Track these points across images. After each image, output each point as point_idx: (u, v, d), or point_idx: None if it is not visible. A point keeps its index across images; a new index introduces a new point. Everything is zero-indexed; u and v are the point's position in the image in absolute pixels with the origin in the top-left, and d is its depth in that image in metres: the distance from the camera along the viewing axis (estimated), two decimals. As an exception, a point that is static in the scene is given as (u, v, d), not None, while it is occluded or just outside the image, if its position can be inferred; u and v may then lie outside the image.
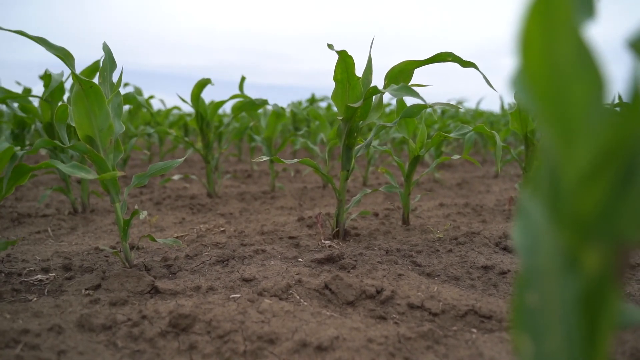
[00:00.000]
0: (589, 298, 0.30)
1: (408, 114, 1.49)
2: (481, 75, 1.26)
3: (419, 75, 1.36)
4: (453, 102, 5.67)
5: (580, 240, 0.30)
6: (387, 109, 5.18)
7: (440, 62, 1.27)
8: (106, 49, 1.21)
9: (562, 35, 0.29)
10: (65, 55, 1.15)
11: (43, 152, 3.47)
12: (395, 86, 1.21)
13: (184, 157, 1.27)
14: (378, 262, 1.27)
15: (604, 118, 0.29)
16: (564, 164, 0.30)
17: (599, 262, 0.30)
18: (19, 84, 2.89)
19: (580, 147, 0.30)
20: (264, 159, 1.36)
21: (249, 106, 2.25)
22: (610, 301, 0.30)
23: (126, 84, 3.78)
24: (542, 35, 0.30)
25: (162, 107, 4.92)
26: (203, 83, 2.14)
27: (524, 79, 0.31)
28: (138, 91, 3.79)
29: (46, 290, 1.10)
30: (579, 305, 0.31)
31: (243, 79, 2.54)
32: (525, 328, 0.34)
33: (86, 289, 1.08)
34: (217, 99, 2.35)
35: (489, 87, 1.29)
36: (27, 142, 2.27)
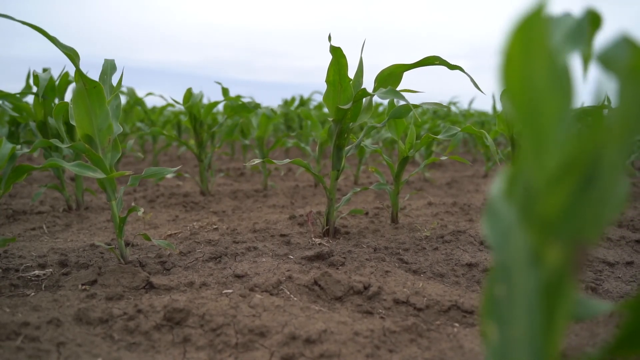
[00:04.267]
0: (549, 290, 0.34)
1: (397, 115, 1.53)
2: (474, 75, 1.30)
3: (412, 76, 1.40)
4: (445, 103, 5.72)
5: (544, 238, 0.34)
6: (380, 108, 5.22)
7: (428, 65, 1.31)
8: (111, 62, 1.27)
9: (539, 58, 0.33)
10: (73, 54, 1.18)
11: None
12: (383, 89, 1.25)
13: (177, 168, 1.30)
14: (366, 259, 1.31)
15: (570, 131, 0.33)
16: (535, 169, 0.34)
17: (560, 258, 0.34)
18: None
19: (549, 155, 0.34)
20: (256, 162, 1.39)
21: (240, 109, 2.28)
22: (568, 293, 0.34)
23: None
24: (521, 57, 0.33)
25: (155, 104, 4.93)
26: (191, 91, 2.22)
27: (505, 93, 0.35)
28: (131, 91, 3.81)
29: (43, 286, 1.13)
30: (540, 296, 0.35)
31: (225, 91, 2.57)
32: (493, 316, 0.38)
33: (83, 284, 1.11)
34: (210, 95, 2.40)
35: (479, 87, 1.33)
36: (21, 140, 2.29)
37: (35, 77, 1.77)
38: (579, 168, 0.31)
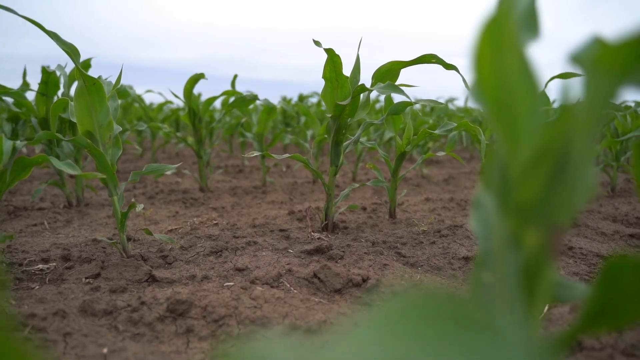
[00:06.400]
0: (529, 272, 0.37)
1: (394, 111, 1.55)
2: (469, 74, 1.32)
3: (408, 73, 1.42)
4: (442, 100, 5.74)
5: (522, 224, 0.36)
6: (377, 105, 5.24)
7: (425, 62, 1.33)
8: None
9: (509, 53, 0.36)
10: (73, 52, 1.19)
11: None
12: (382, 84, 1.27)
13: (177, 165, 1.32)
14: (364, 253, 1.33)
15: (541, 122, 0.35)
16: (510, 159, 0.37)
17: (537, 243, 0.36)
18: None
19: (523, 145, 0.36)
20: (255, 154, 1.42)
21: (239, 102, 2.30)
22: (546, 274, 0.36)
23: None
24: (492, 53, 0.36)
25: (153, 101, 4.94)
26: (195, 78, 2.18)
27: (478, 89, 0.37)
28: (129, 87, 3.82)
29: (47, 279, 1.15)
30: (521, 278, 0.37)
31: (235, 76, 2.60)
32: (480, 303, 0.40)
33: (86, 278, 1.13)
34: (208, 93, 2.41)
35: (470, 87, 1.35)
36: (22, 137, 2.30)
37: (46, 72, 1.77)
38: (550, 157, 0.33)
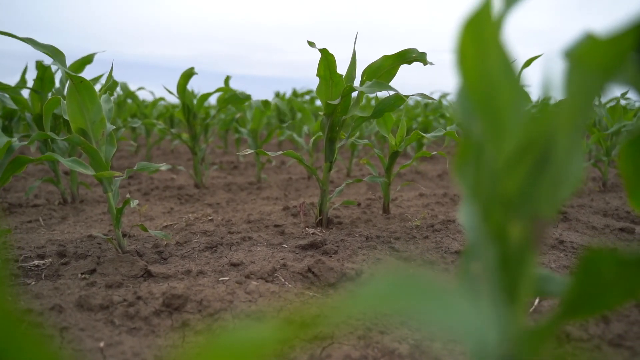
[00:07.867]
0: (512, 263, 0.38)
1: (385, 106, 1.55)
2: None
3: (402, 71, 1.42)
4: (436, 95, 5.75)
5: (507, 216, 0.38)
6: (373, 102, 5.25)
7: (406, 58, 1.34)
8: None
9: (491, 49, 0.37)
10: (54, 53, 1.20)
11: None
12: (369, 82, 1.28)
13: (161, 165, 1.34)
14: (358, 247, 1.35)
15: (524, 117, 0.37)
16: (494, 152, 0.38)
17: (520, 234, 0.37)
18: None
19: (506, 139, 0.37)
20: (249, 152, 1.43)
21: (233, 99, 2.30)
22: (530, 265, 0.38)
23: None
24: (474, 49, 0.37)
25: (147, 98, 4.93)
26: (188, 74, 2.17)
27: (462, 85, 0.38)
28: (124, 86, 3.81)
29: (43, 275, 1.15)
30: (505, 270, 0.38)
31: (228, 77, 2.60)
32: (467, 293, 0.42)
33: (82, 273, 1.14)
34: (204, 89, 2.42)
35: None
36: (16, 133, 2.30)
37: (41, 67, 1.77)
38: (533, 150, 0.34)
